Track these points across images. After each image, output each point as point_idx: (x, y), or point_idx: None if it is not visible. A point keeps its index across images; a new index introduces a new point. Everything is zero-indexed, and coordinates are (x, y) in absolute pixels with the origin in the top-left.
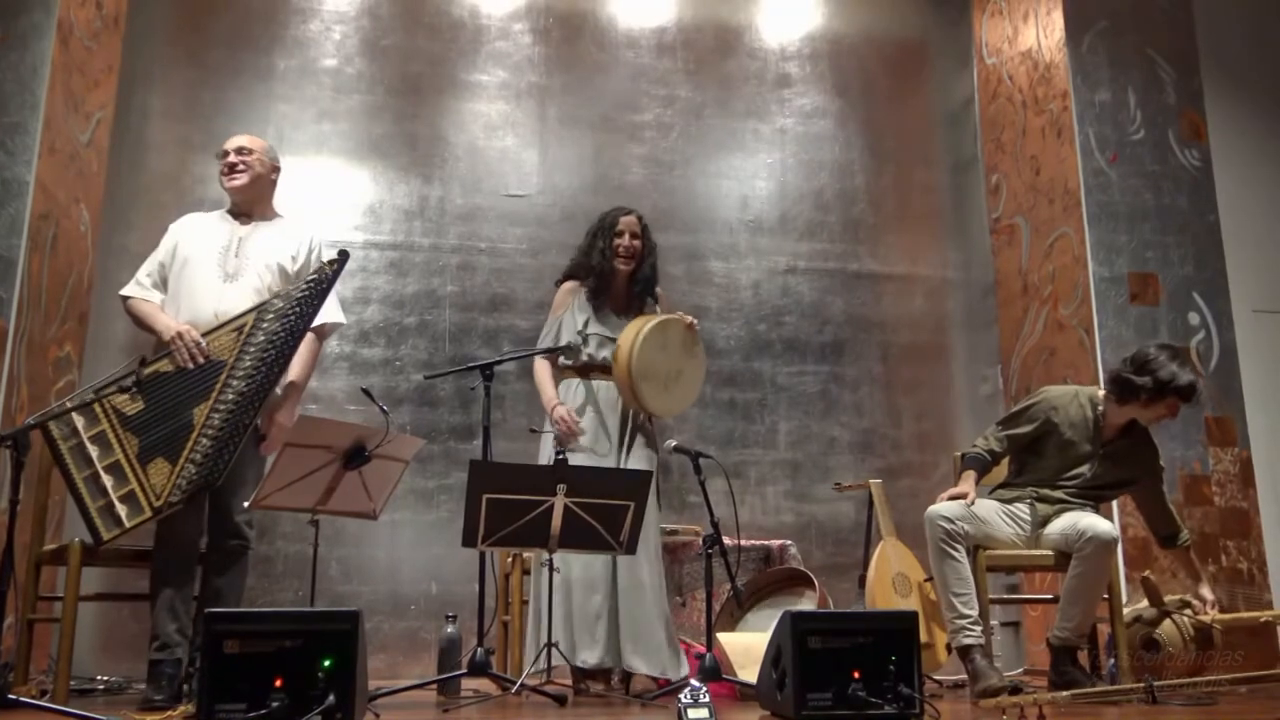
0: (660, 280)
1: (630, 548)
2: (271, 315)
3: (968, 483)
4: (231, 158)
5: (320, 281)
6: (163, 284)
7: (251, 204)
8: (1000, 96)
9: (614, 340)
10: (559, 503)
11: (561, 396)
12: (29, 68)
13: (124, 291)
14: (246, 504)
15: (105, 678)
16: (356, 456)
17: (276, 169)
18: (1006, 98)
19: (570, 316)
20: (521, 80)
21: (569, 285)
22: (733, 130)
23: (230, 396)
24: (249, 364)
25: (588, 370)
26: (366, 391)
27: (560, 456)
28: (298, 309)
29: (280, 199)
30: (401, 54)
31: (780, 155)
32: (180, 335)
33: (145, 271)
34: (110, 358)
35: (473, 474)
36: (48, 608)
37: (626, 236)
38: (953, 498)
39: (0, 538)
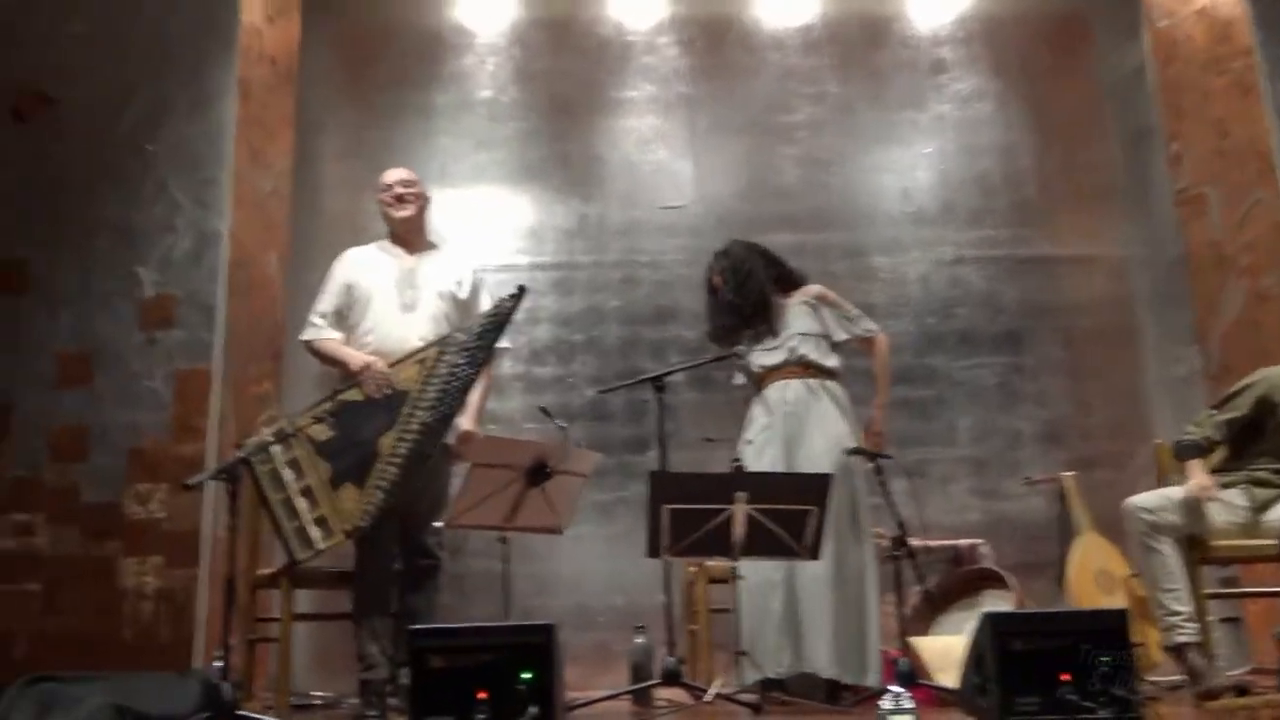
0: (821, 279)
1: (815, 552)
2: (454, 348)
3: (1198, 473)
4: (398, 189)
5: (499, 315)
6: (338, 321)
7: (415, 234)
8: (1176, 60)
9: (768, 348)
10: (739, 510)
11: (750, 414)
12: (215, 127)
13: (304, 336)
14: (440, 524)
15: (320, 694)
16: (538, 473)
17: (429, 200)
18: (1184, 61)
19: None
20: (670, 92)
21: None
22: (888, 122)
23: (415, 426)
24: (433, 395)
25: (759, 383)
26: (544, 409)
27: (736, 463)
28: (479, 342)
29: (445, 228)
30: (551, 78)
31: (939, 143)
32: (368, 366)
33: (319, 313)
34: (305, 391)
35: (652, 485)
36: (265, 629)
37: (718, 293)
38: (1198, 495)
39: (222, 564)
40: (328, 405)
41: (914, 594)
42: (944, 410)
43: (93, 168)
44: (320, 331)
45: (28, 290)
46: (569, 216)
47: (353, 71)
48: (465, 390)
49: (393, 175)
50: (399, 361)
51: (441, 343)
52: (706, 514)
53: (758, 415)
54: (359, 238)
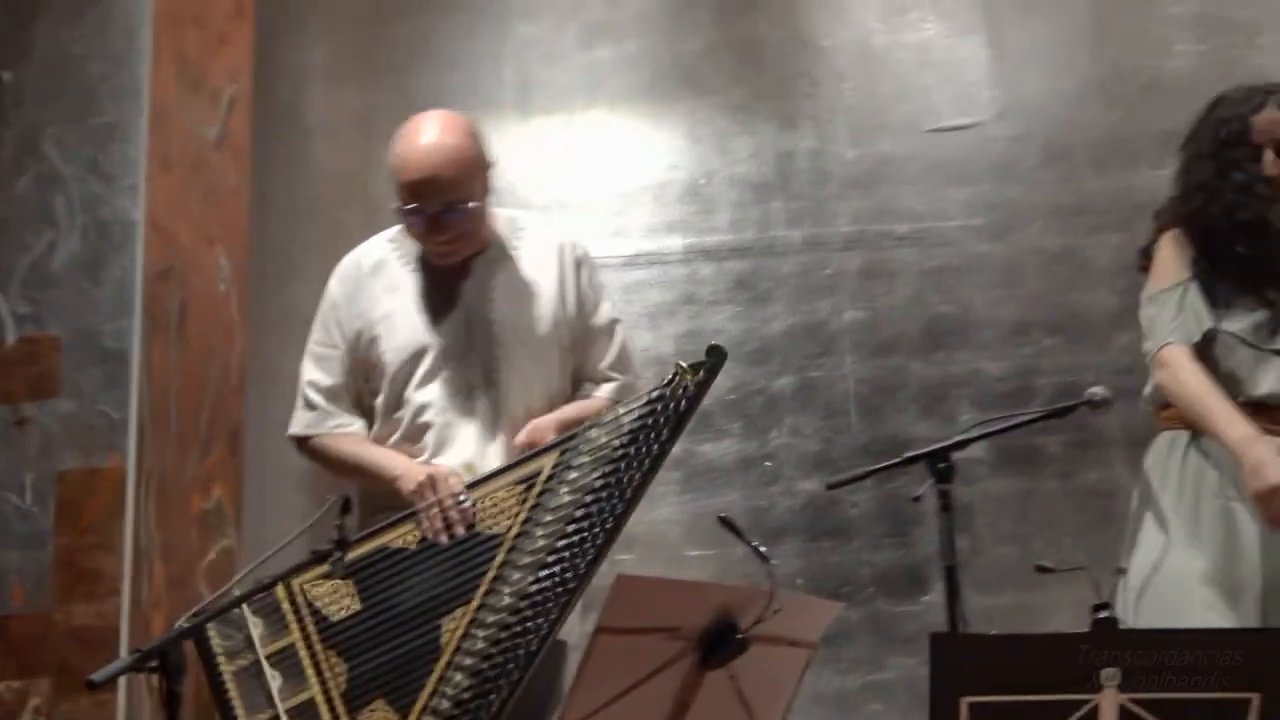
0: None
1: None
2: (586, 457)
3: None
4: (433, 209)
5: (673, 400)
6: (354, 398)
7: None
8: None
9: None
10: (1108, 704)
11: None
12: (120, 29)
13: (295, 430)
14: None
15: None
16: (723, 643)
17: (489, 169)
18: None
19: (1194, 293)
20: None
21: (1174, 235)
22: None
23: (508, 600)
24: (543, 542)
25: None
26: (727, 521)
27: (1102, 615)
28: (632, 445)
29: (537, 180)
30: None
31: None
32: (433, 484)
33: (316, 383)
34: (285, 502)
35: (939, 659)
36: None
37: (1272, 153)
38: None
39: None
40: (338, 542)
41: None
42: None
43: None
44: (322, 422)
45: None
46: (760, 158)
47: None
48: (609, 537)
49: (415, 171)
50: (480, 483)
51: (561, 447)
52: (1048, 712)
53: (1195, 501)
54: (376, 216)
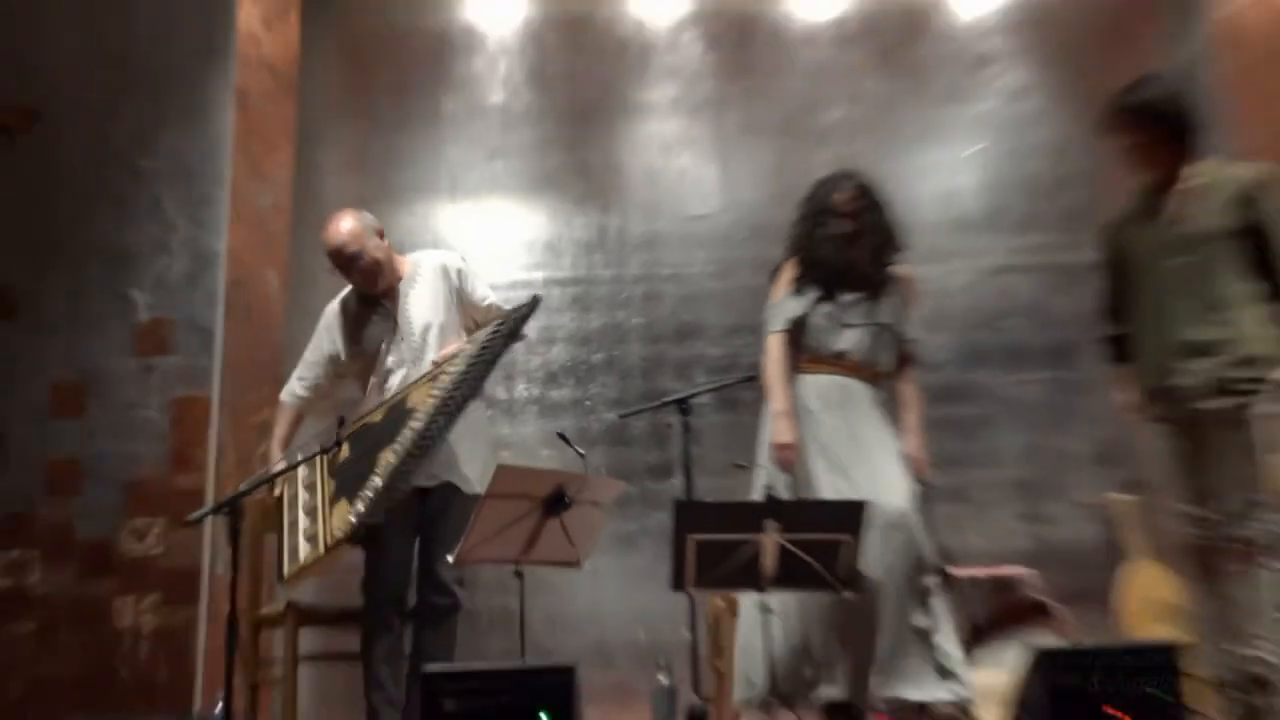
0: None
1: (854, 584)
2: (460, 358)
3: None
4: (343, 258)
5: (508, 326)
6: (314, 382)
7: (386, 277)
8: (1241, 47)
9: (850, 327)
10: (770, 540)
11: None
12: (212, 139)
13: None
14: (451, 558)
15: None
16: (557, 503)
17: (380, 232)
18: (1247, 50)
19: (791, 301)
20: (695, 93)
21: (790, 263)
22: (929, 121)
23: (407, 434)
24: (432, 405)
25: (816, 361)
26: (561, 435)
27: (770, 491)
28: (482, 354)
29: (456, 241)
30: (569, 81)
31: (985, 143)
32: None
33: (297, 373)
34: (306, 419)
35: (678, 514)
36: (268, 671)
37: (848, 221)
38: None
39: (223, 603)
40: (337, 437)
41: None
42: (988, 430)
43: (83, 187)
44: (287, 389)
45: (15, 316)
46: (588, 228)
47: (355, 78)
48: (460, 403)
49: (328, 247)
50: (416, 382)
51: (450, 359)
52: (736, 545)
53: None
54: None
